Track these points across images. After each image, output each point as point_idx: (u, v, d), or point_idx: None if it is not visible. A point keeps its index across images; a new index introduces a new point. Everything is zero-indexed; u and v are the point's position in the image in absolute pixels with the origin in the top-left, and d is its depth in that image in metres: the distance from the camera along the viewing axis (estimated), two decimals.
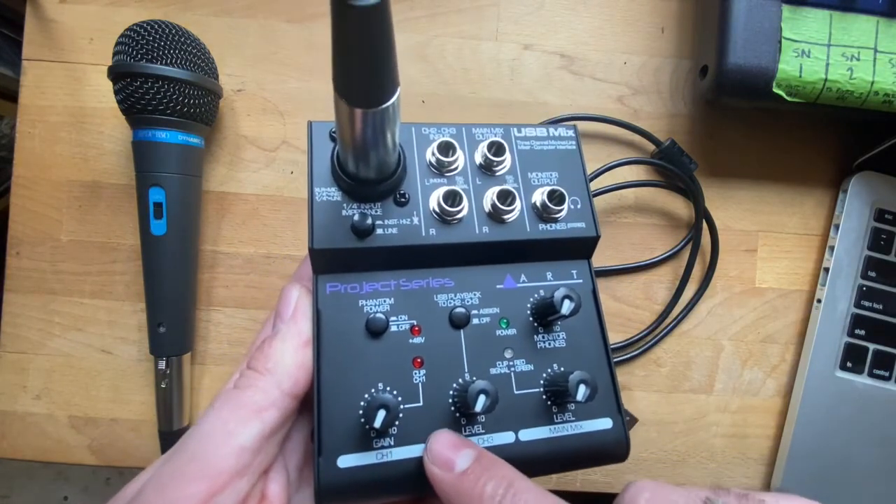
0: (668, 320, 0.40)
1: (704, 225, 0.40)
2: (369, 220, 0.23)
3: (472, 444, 0.21)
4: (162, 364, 0.35)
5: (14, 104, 0.43)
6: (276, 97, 0.39)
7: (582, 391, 0.22)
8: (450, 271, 0.25)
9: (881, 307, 0.40)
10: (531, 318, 0.25)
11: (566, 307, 0.23)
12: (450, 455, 0.21)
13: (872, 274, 0.40)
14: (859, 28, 0.35)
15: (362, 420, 0.22)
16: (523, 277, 0.26)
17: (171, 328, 0.35)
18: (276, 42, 0.39)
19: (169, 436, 0.36)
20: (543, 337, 0.25)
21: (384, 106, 0.18)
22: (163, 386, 0.35)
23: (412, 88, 0.40)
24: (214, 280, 0.38)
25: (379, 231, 0.24)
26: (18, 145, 0.38)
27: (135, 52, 0.32)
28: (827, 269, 0.40)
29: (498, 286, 0.25)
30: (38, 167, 0.38)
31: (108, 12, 0.38)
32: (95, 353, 0.38)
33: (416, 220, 0.24)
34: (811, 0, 0.35)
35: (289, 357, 0.22)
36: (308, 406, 0.23)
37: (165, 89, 0.32)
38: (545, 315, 0.25)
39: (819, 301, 0.40)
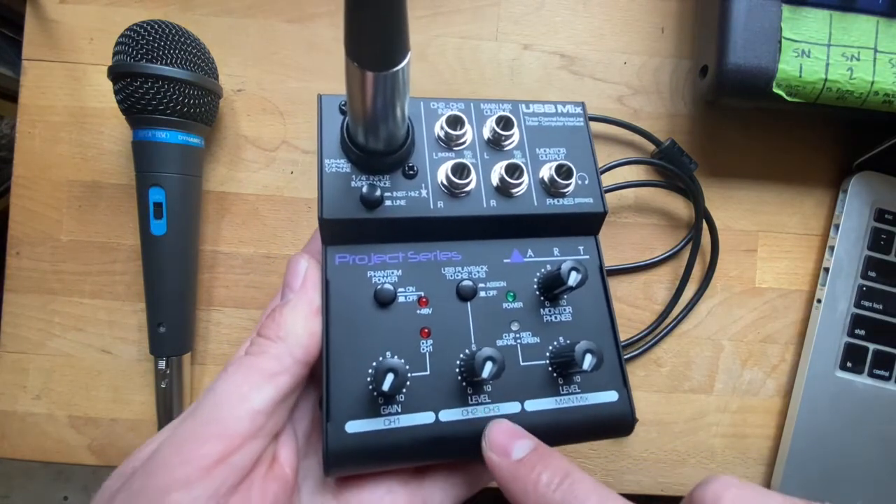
0: (668, 320, 0.40)
1: (704, 225, 0.40)
2: (378, 192, 0.23)
3: (530, 435, 0.22)
4: (162, 364, 0.35)
5: (14, 104, 0.43)
6: (276, 97, 0.39)
7: (588, 360, 0.22)
8: (457, 245, 0.25)
9: (881, 307, 0.40)
10: (537, 292, 0.25)
11: (573, 279, 0.23)
12: (507, 443, 0.21)
13: (872, 274, 0.40)
14: (859, 28, 0.35)
15: (370, 386, 0.22)
16: (530, 252, 0.26)
17: (171, 328, 0.35)
18: (276, 42, 0.39)
19: None
20: (550, 310, 0.25)
21: (395, 69, 0.18)
22: (163, 386, 0.35)
23: (412, 88, 0.39)
24: (214, 280, 0.38)
25: (387, 203, 0.24)
26: (18, 145, 0.38)
27: (135, 52, 0.32)
28: (827, 269, 0.40)
29: (505, 260, 0.26)
30: (38, 167, 0.38)
31: (108, 12, 0.38)
32: (95, 353, 0.38)
33: (424, 192, 0.24)
34: (811, 0, 0.35)
35: (300, 325, 0.23)
36: (314, 375, 0.24)
37: (165, 89, 0.32)
38: (552, 288, 0.25)
39: (819, 301, 0.40)
